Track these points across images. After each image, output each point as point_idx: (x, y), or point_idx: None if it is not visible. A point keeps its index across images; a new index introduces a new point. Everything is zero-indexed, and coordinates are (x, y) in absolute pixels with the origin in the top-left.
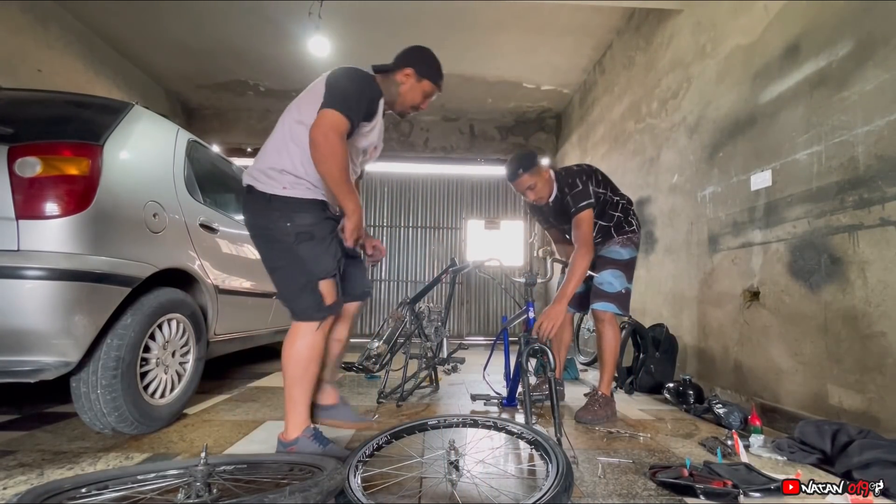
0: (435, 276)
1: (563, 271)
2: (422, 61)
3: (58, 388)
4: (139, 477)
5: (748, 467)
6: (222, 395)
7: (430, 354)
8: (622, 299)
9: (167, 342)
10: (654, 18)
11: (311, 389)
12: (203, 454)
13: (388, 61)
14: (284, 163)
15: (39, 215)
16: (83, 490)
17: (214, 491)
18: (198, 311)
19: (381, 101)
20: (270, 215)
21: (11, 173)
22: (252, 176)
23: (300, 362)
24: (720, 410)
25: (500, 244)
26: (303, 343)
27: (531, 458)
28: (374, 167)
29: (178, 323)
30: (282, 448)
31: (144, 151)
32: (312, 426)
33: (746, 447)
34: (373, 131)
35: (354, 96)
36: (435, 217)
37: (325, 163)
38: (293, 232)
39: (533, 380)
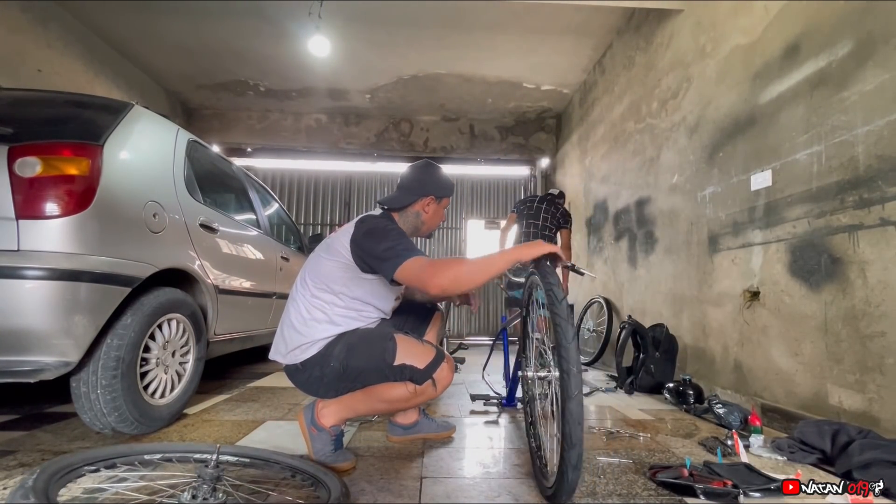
0: None
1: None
2: (436, 184)
3: (58, 388)
4: (146, 457)
5: (748, 467)
6: (222, 395)
7: None
8: None
9: (167, 342)
10: (654, 18)
11: (369, 415)
12: (215, 455)
13: (388, 61)
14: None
15: (39, 215)
16: (91, 467)
17: (221, 495)
18: (198, 311)
19: None
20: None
21: (11, 173)
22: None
23: (392, 398)
24: (720, 410)
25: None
26: (406, 392)
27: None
28: (375, 167)
29: (178, 323)
30: (308, 416)
31: (144, 151)
32: (341, 428)
33: (746, 447)
34: None
35: (399, 239)
36: None
37: (461, 280)
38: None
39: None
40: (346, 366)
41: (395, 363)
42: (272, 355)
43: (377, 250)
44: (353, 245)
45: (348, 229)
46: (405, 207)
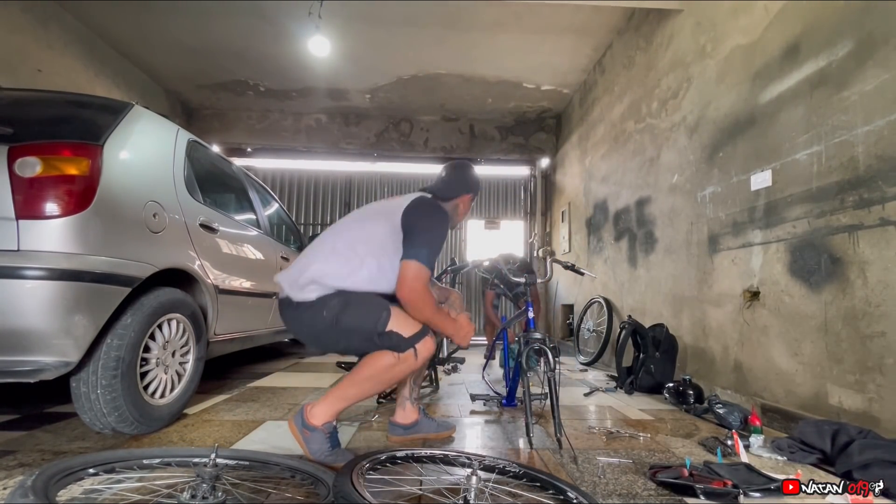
0: (435, 276)
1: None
2: (476, 184)
3: (58, 388)
4: (145, 461)
5: (748, 467)
6: (222, 395)
7: None
8: None
9: (167, 342)
10: (654, 18)
11: (359, 399)
12: (213, 455)
13: (388, 61)
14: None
15: (39, 215)
16: (90, 471)
17: (220, 494)
18: (198, 311)
19: None
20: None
21: (11, 173)
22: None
23: (376, 370)
24: (720, 410)
25: (500, 244)
26: (389, 359)
27: None
28: (375, 167)
29: (178, 323)
30: (299, 422)
31: (144, 151)
32: (335, 424)
33: (746, 447)
34: None
35: (438, 243)
36: None
37: (421, 312)
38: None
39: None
40: (337, 320)
41: (385, 330)
42: (279, 276)
43: (420, 230)
44: (407, 215)
45: (402, 203)
46: (450, 199)
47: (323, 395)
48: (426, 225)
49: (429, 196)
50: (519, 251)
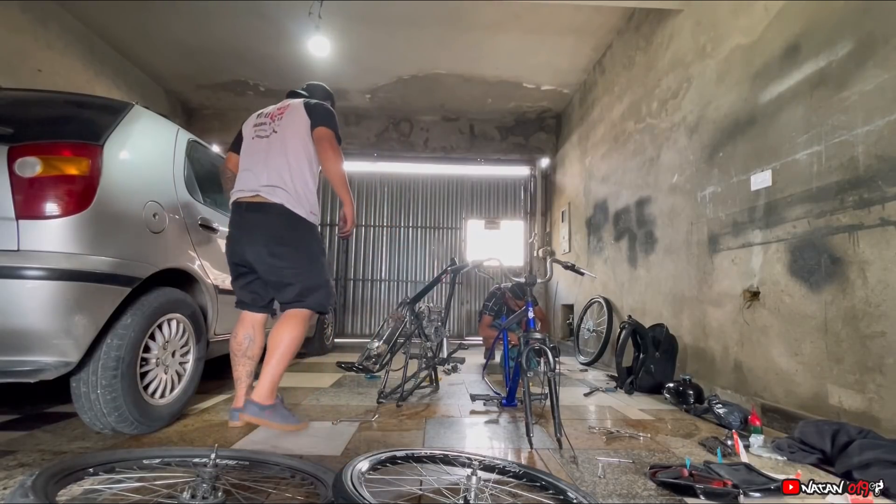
0: (435, 276)
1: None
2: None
3: (58, 388)
4: (145, 461)
5: (748, 467)
6: (222, 395)
7: (430, 354)
8: None
9: (167, 342)
10: (654, 18)
11: (285, 366)
12: (213, 455)
13: (388, 61)
14: (311, 188)
15: (39, 215)
16: (90, 471)
17: (220, 494)
18: (198, 311)
19: None
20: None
21: (11, 173)
22: (284, 193)
23: (295, 344)
24: (720, 410)
25: (499, 244)
26: (302, 330)
27: None
28: (375, 167)
29: (178, 323)
30: (256, 409)
31: (144, 151)
32: (280, 397)
33: (746, 447)
34: None
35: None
36: (435, 217)
37: (337, 164)
38: (321, 246)
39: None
40: (323, 252)
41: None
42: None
43: (330, 115)
44: (315, 111)
45: (299, 106)
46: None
47: (258, 382)
48: (321, 108)
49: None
50: (518, 259)
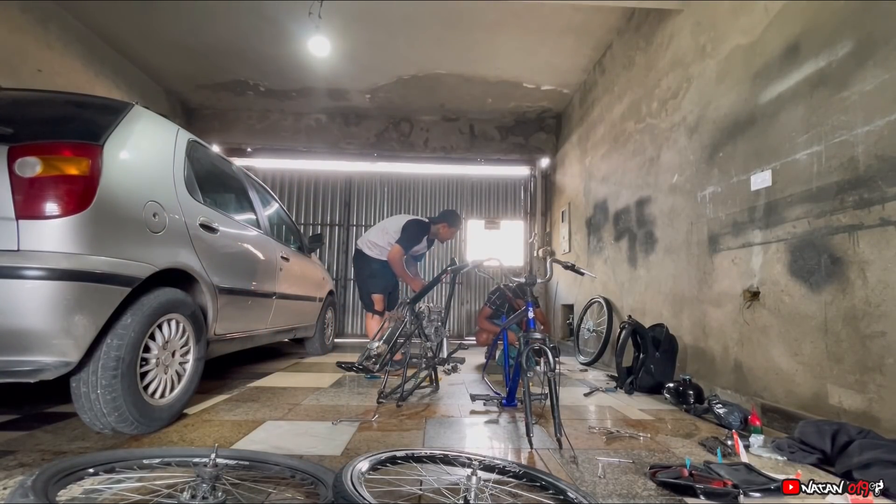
0: (435, 276)
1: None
2: (453, 219)
3: (58, 388)
4: (145, 461)
5: (748, 467)
6: (222, 395)
7: (430, 354)
8: None
9: (167, 342)
10: (654, 18)
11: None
12: (213, 455)
13: (388, 61)
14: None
15: (39, 215)
16: (90, 471)
17: (220, 494)
18: (198, 311)
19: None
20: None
21: (11, 173)
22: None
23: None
24: (720, 410)
25: (499, 244)
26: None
27: None
28: (375, 167)
29: (178, 323)
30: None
31: (144, 151)
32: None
33: (746, 447)
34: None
35: (412, 240)
36: None
37: (395, 266)
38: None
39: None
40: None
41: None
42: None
43: (406, 232)
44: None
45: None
46: (435, 223)
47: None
48: (409, 231)
49: (425, 219)
50: (518, 260)
